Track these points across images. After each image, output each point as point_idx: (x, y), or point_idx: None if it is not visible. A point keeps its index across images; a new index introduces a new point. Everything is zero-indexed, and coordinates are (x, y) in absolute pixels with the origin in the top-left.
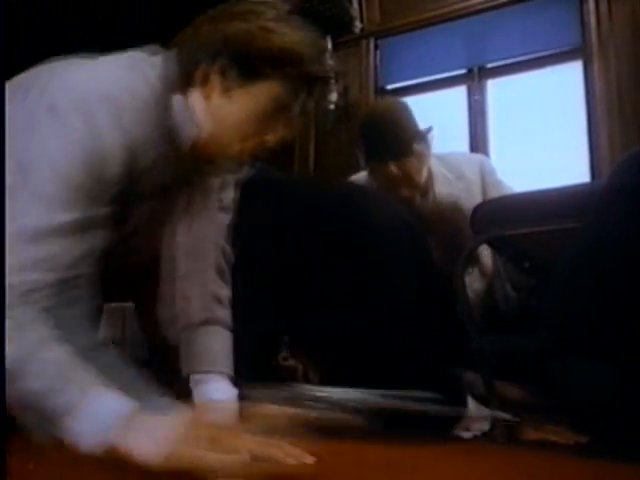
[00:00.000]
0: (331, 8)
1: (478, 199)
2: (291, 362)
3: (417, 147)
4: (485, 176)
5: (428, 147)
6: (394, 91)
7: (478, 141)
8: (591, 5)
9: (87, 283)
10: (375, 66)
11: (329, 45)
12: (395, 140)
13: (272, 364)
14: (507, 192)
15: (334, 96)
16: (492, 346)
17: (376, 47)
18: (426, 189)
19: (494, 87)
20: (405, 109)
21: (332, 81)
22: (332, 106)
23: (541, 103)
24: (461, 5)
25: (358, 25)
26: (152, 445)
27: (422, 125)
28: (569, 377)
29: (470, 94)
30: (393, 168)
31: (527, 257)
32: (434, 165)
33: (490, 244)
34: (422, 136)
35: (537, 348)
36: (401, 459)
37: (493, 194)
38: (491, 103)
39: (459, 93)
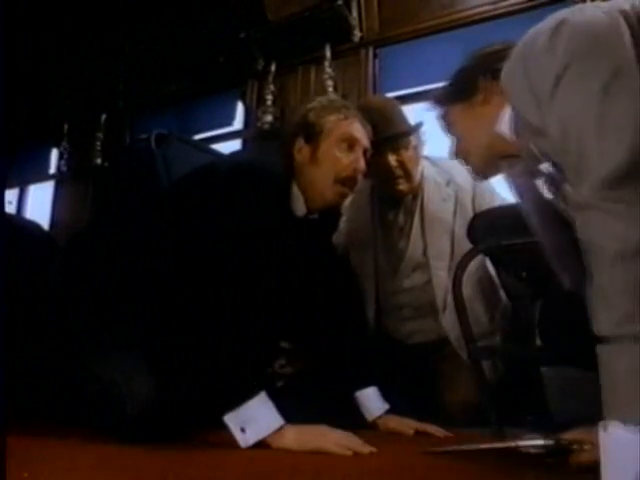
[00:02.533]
0: (331, 17)
1: (467, 205)
2: (287, 369)
3: (413, 140)
4: (477, 184)
5: (422, 142)
6: None
7: None
8: None
9: None
10: (374, 74)
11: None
12: (393, 132)
13: (268, 371)
14: (499, 201)
15: None
16: (486, 354)
17: (375, 56)
18: (417, 190)
19: None
20: (397, 105)
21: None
22: None
23: None
24: (460, 15)
25: (357, 34)
26: None
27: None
28: (563, 385)
29: None
30: (392, 160)
31: (524, 267)
32: (426, 168)
33: (487, 253)
34: (416, 130)
35: (531, 356)
36: None
37: (483, 202)
38: None
39: None
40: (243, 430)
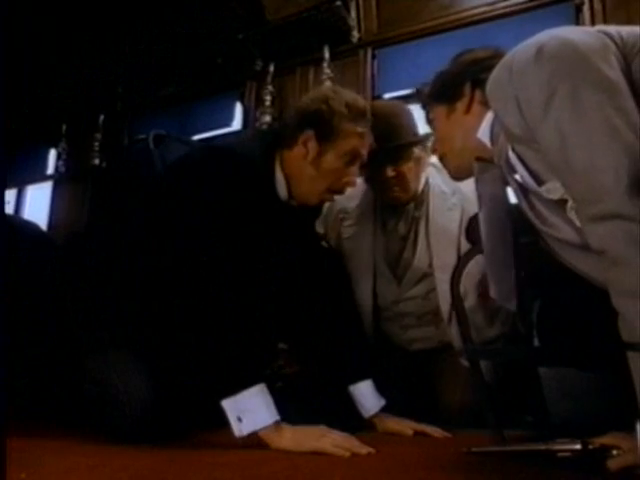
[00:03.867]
0: (330, 18)
1: (471, 214)
2: (285, 370)
3: (417, 152)
4: None
5: (428, 153)
6: (391, 100)
7: None
8: (586, 17)
9: None
10: (372, 75)
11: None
12: (394, 143)
13: (267, 373)
14: None
15: None
16: (484, 355)
17: (373, 57)
18: (422, 200)
19: None
20: (407, 112)
21: None
22: None
23: None
24: (458, 16)
25: (356, 35)
26: None
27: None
28: (562, 386)
29: None
30: (389, 170)
31: (523, 267)
32: (432, 176)
33: None
34: (422, 141)
35: (529, 357)
36: None
37: None
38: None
39: None
40: (240, 419)
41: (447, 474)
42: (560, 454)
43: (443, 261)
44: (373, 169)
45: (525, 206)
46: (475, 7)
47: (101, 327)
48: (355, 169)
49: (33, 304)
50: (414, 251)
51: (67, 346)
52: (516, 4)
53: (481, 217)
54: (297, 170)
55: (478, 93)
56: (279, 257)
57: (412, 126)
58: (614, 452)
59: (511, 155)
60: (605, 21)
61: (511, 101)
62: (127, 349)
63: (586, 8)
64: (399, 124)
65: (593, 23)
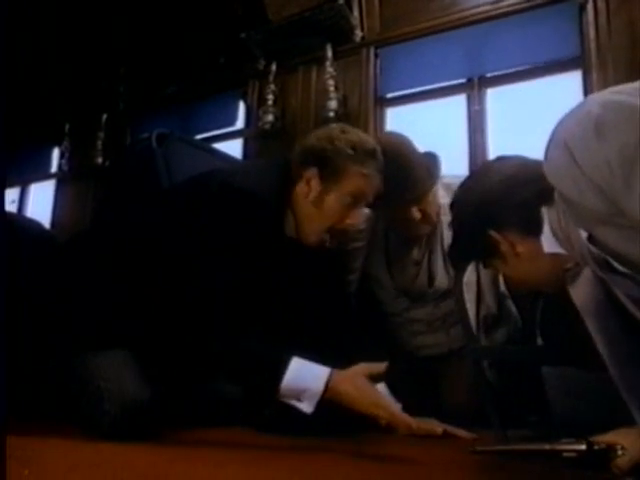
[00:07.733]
0: (332, 17)
1: None
2: None
3: (434, 185)
4: None
5: (439, 179)
6: (394, 99)
7: (477, 150)
8: (590, 16)
9: None
10: (375, 74)
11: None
12: (421, 191)
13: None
14: None
15: (334, 104)
16: (487, 355)
17: (376, 56)
18: (435, 223)
19: (493, 96)
20: (413, 146)
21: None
22: (332, 114)
23: (540, 113)
24: (461, 14)
25: (358, 34)
26: None
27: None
28: (565, 385)
29: (470, 103)
30: (414, 211)
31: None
32: (441, 196)
33: None
34: (437, 174)
35: (532, 356)
36: None
37: None
38: (490, 112)
39: (459, 102)
40: (300, 400)
41: (450, 473)
42: (565, 454)
43: (464, 280)
44: (397, 212)
45: (623, 299)
46: (477, 6)
47: (94, 326)
48: (359, 211)
49: (35, 303)
50: (430, 274)
51: (60, 343)
52: (519, 3)
53: (595, 336)
54: (299, 207)
55: (509, 234)
56: (282, 291)
57: (432, 169)
58: (619, 451)
59: (592, 247)
60: (608, 21)
61: (584, 182)
62: (118, 349)
63: (590, 7)
64: (413, 165)
65: (597, 22)
